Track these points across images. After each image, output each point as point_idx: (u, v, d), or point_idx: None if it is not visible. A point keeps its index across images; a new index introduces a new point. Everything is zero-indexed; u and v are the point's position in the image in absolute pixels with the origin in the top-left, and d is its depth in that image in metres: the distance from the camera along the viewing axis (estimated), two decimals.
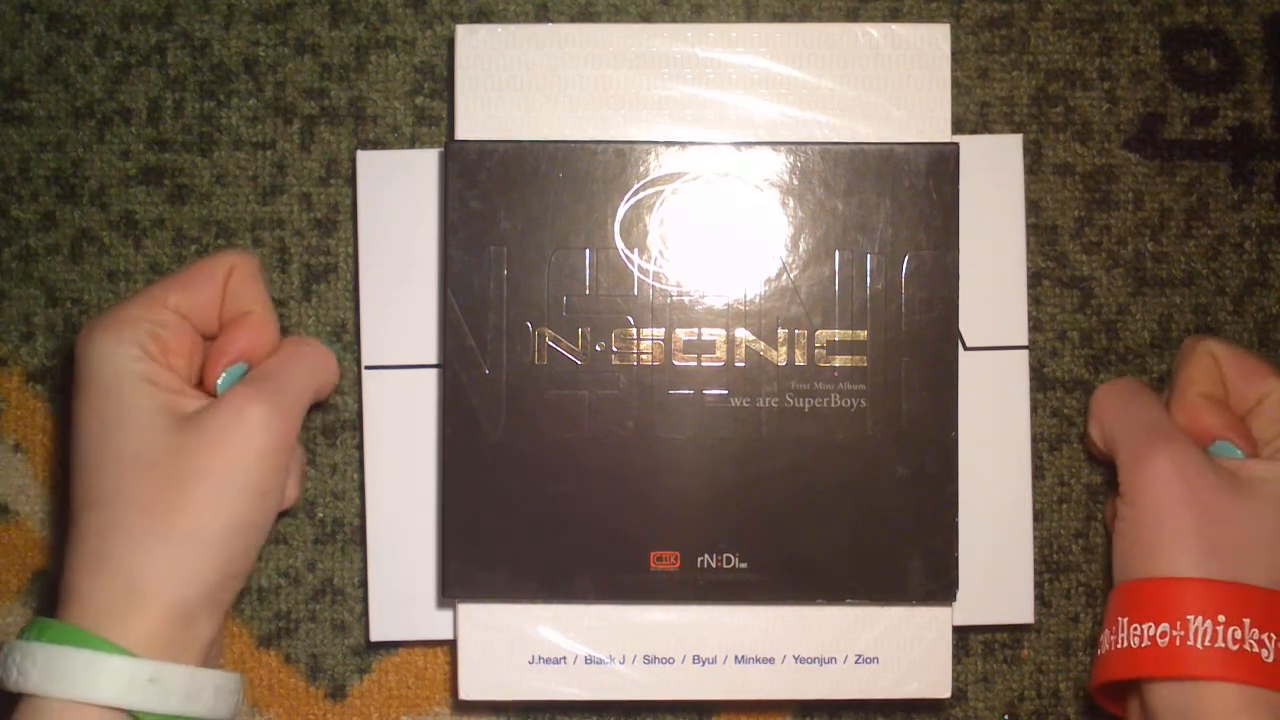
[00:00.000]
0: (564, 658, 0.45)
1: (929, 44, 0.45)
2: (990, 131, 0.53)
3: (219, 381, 0.44)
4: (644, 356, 0.44)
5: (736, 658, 0.46)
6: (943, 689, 0.46)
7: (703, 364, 0.44)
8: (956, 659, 0.53)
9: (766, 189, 0.44)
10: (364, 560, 0.50)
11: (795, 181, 0.44)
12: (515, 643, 0.45)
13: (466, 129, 0.46)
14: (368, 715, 0.53)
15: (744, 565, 0.44)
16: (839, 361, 0.44)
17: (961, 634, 0.53)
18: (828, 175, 0.44)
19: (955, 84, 0.52)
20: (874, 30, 0.45)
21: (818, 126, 0.45)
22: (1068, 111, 0.53)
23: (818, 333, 0.44)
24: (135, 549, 0.40)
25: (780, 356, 0.44)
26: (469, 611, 0.46)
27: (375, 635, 0.50)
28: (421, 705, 0.53)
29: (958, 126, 0.52)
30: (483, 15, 0.53)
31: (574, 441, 0.44)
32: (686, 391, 0.44)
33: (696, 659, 0.46)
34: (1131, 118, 0.53)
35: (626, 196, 0.43)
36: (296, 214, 0.53)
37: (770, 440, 0.44)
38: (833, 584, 0.45)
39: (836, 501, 0.44)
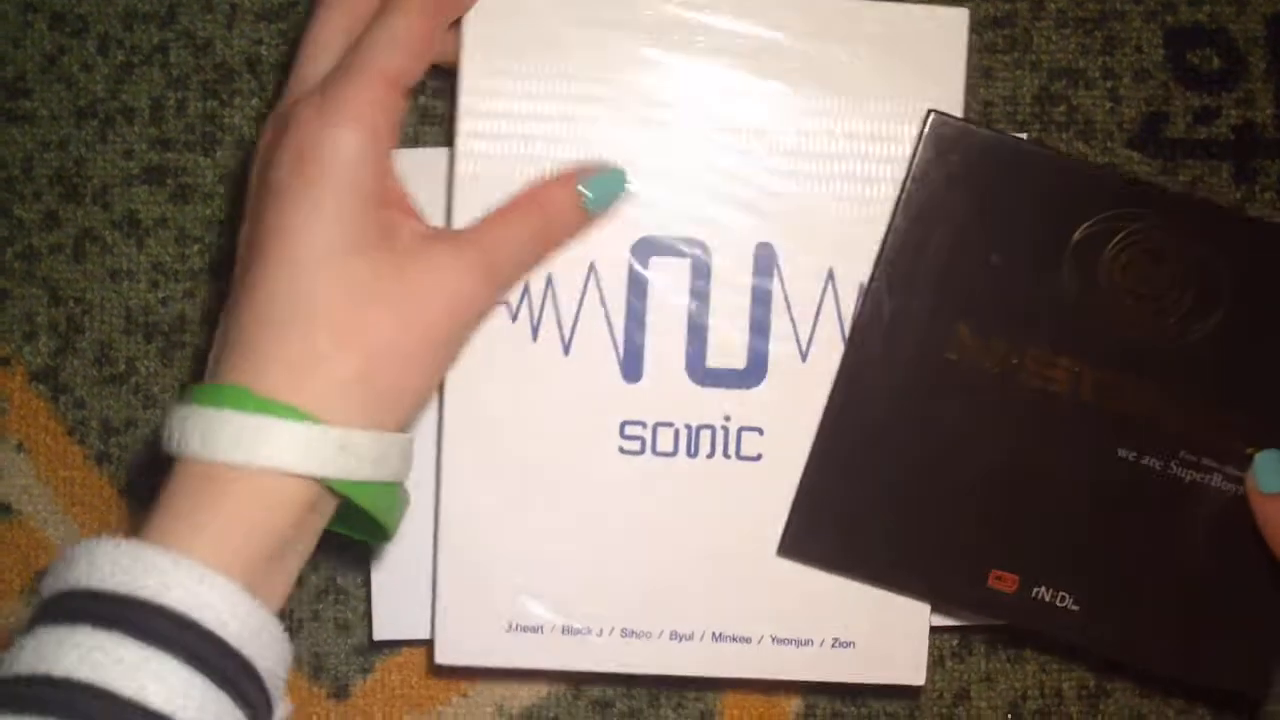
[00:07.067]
0: (541, 627, 0.45)
1: (947, 28, 0.44)
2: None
3: (591, 198, 0.42)
4: (1052, 384, 0.44)
5: (714, 635, 0.46)
6: (917, 676, 0.46)
7: (1105, 408, 0.44)
8: (960, 658, 0.53)
9: (1224, 263, 0.43)
10: (367, 559, 0.50)
11: (1256, 265, 0.43)
12: (493, 610, 0.45)
13: (471, 81, 0.44)
14: (370, 715, 0.53)
15: (1075, 608, 0.45)
16: (1235, 446, 0.44)
17: (965, 633, 0.53)
18: None
19: None
20: (891, 10, 0.44)
21: (825, 103, 0.44)
22: (1071, 111, 0.53)
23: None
24: (323, 329, 0.37)
25: (1183, 425, 0.44)
26: (448, 579, 0.46)
27: (378, 635, 0.49)
28: (425, 705, 0.53)
29: None
30: None
31: (957, 442, 0.44)
32: (1081, 430, 0.44)
33: (674, 635, 0.46)
34: (1134, 117, 0.53)
35: (1087, 223, 0.43)
36: None
37: (1143, 501, 0.44)
38: (1153, 652, 0.46)
39: (1189, 578, 0.45)
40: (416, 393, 0.40)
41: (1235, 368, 0.44)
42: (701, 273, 0.45)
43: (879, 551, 0.45)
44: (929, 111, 0.43)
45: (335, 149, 0.38)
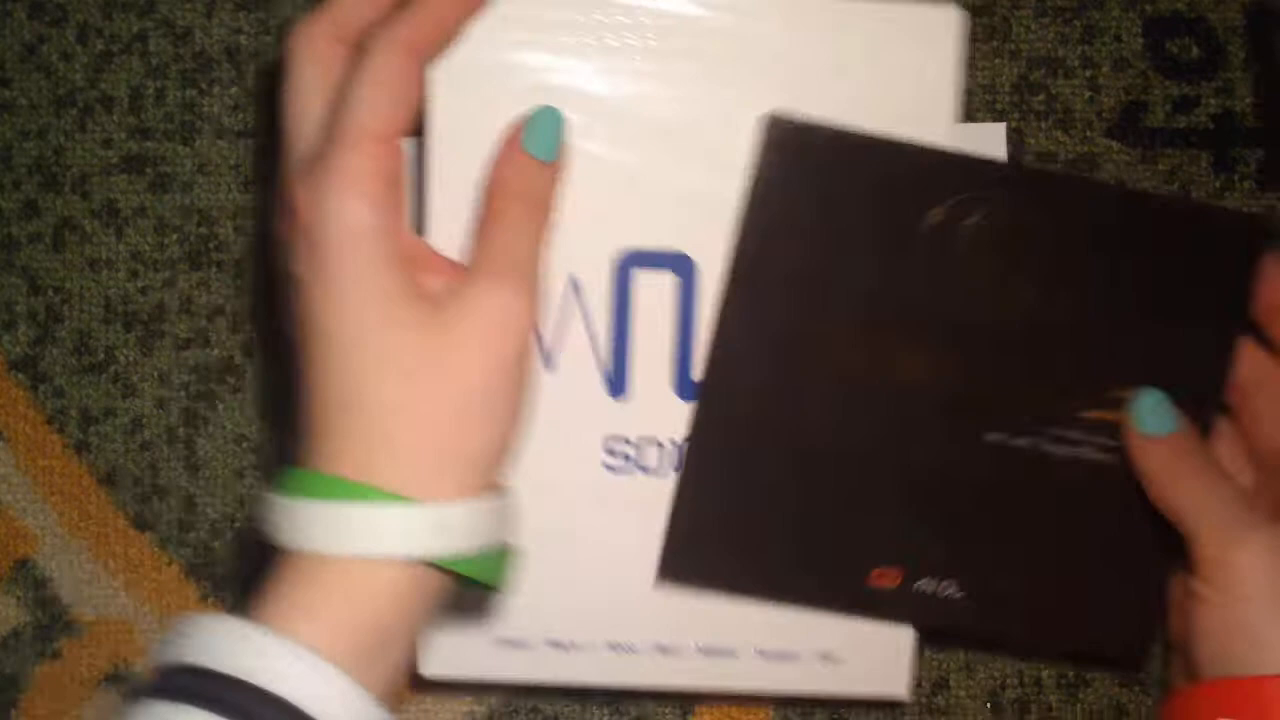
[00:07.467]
0: (527, 641, 0.45)
1: (938, 28, 0.43)
2: (973, 120, 0.53)
3: (538, 152, 0.41)
4: (915, 374, 0.43)
5: (699, 649, 0.46)
6: (900, 689, 0.46)
7: (970, 393, 0.43)
8: (939, 647, 0.53)
9: (1080, 233, 0.42)
10: None
11: (1113, 231, 0.42)
12: (479, 623, 0.45)
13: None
14: None
15: (960, 594, 0.44)
16: (1097, 415, 0.43)
17: None
18: (1126, 224, 0.42)
19: None
20: (879, 9, 0.43)
21: (809, 107, 0.43)
22: (1050, 100, 0.53)
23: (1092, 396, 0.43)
24: (381, 409, 0.37)
25: (1049, 402, 0.43)
26: None
27: None
28: (404, 695, 0.53)
29: None
30: None
31: (825, 442, 0.43)
32: (948, 417, 0.43)
33: (660, 648, 0.45)
34: (1113, 106, 0.53)
35: (937, 209, 0.42)
36: None
37: (1017, 481, 0.44)
38: (1040, 629, 0.46)
39: (1068, 552, 0.45)
40: (498, 440, 0.38)
41: (1096, 339, 0.43)
42: (686, 284, 0.44)
43: (757, 564, 0.44)
44: (768, 115, 0.42)
45: (340, 231, 0.36)
